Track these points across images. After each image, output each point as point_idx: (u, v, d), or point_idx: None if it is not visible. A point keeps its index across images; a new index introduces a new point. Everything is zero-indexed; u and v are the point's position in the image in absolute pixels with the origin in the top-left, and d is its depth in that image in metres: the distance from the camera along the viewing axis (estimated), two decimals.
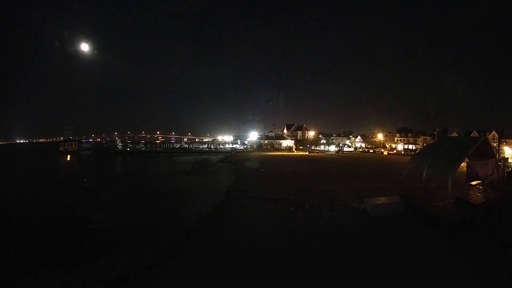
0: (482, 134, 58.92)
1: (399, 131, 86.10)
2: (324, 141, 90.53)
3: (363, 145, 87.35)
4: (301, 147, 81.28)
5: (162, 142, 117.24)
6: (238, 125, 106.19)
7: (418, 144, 76.72)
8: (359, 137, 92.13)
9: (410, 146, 78.05)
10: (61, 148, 78.87)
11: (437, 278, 6.54)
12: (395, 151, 67.20)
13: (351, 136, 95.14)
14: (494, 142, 53.84)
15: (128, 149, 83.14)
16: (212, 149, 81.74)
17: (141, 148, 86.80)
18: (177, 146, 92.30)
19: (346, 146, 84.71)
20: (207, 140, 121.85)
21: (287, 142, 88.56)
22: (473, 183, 13.93)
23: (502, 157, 38.69)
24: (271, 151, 73.23)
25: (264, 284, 6.41)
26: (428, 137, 74.56)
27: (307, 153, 64.40)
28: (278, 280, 6.52)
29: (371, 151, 73.72)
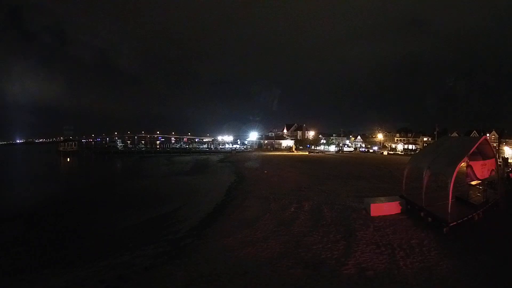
0: (482, 134, 58.92)
1: (399, 131, 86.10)
2: (324, 141, 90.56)
3: (363, 145, 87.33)
4: (301, 147, 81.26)
5: (162, 142, 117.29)
6: (238, 125, 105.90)
7: (418, 144, 76.69)
8: (359, 137, 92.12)
9: (410, 146, 77.99)
10: (61, 148, 78.81)
11: (437, 278, 6.53)
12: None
13: (351, 136, 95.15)
14: (494, 142, 53.83)
15: (128, 149, 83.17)
16: (212, 149, 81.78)
17: (141, 148, 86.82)
18: (177, 146, 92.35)
19: (346, 146, 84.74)
20: (207, 140, 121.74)
21: (287, 142, 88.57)
22: (473, 183, 13.91)
23: (502, 157, 38.69)
24: (271, 151, 73.25)
25: (265, 285, 6.41)
26: (428, 137, 74.54)
27: (307, 153, 64.42)
28: (279, 282, 6.51)
29: (370, 151, 73.75)
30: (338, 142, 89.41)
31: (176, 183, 27.07)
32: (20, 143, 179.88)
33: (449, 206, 10.48)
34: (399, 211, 11.93)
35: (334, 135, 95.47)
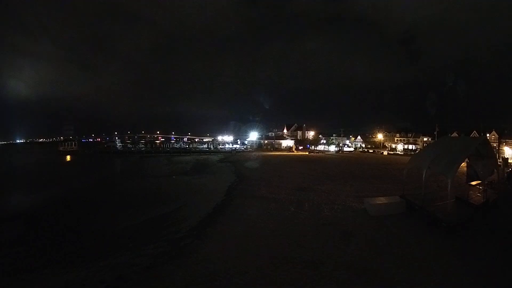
0: (482, 134, 58.92)
1: (399, 131, 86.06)
2: (324, 141, 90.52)
3: (363, 145, 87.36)
4: (301, 147, 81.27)
5: (162, 142, 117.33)
6: (238, 125, 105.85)
7: (418, 144, 76.68)
8: (359, 137, 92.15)
9: (410, 146, 78.00)
10: (61, 148, 78.80)
11: (438, 278, 6.54)
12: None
13: (351, 136, 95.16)
14: (494, 142, 53.82)
15: (128, 149, 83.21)
16: (212, 149, 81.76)
17: (141, 148, 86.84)
18: (177, 146, 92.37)
19: (346, 146, 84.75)
20: (207, 140, 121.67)
21: (287, 142, 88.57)
22: (473, 183, 13.94)
23: (502, 157, 38.70)
24: (271, 151, 73.27)
25: (264, 285, 6.41)
26: (428, 137, 74.53)
27: (307, 153, 64.45)
28: (279, 281, 6.51)
29: (370, 151, 73.80)
30: (338, 142, 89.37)
31: (176, 183, 27.08)
32: (20, 142, 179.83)
33: (449, 206, 10.50)
34: (399, 211, 11.93)
35: (334, 135, 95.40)
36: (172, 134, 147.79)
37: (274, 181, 21.58)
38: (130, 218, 14.47)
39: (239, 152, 71.04)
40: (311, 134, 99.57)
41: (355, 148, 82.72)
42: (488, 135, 59.44)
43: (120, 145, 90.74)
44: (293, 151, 69.66)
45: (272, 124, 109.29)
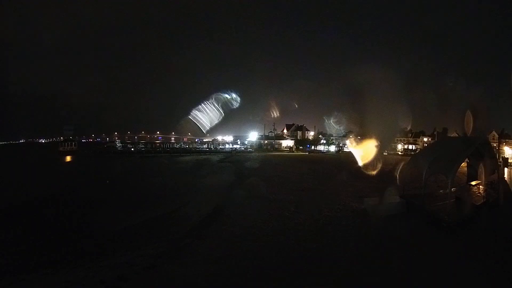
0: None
1: (399, 131, 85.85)
2: (324, 141, 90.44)
3: None
4: (301, 147, 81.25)
5: (162, 142, 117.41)
6: (238, 125, 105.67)
7: (418, 144, 76.62)
8: (359, 137, 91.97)
9: (410, 146, 77.95)
10: (61, 148, 78.68)
11: (438, 277, 6.53)
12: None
13: (351, 136, 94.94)
14: (494, 142, 53.75)
15: (127, 149, 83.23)
16: (212, 149, 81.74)
17: (141, 148, 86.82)
18: (177, 146, 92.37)
19: (346, 146, 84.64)
20: (207, 140, 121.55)
21: (287, 142, 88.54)
22: (473, 183, 13.96)
23: (502, 157, 38.68)
24: (271, 151, 73.28)
25: (264, 284, 6.40)
26: (428, 137, 74.49)
27: (307, 153, 64.44)
28: (278, 280, 6.51)
29: None
30: (338, 142, 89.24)
31: (176, 183, 27.05)
32: (20, 142, 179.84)
33: (449, 206, 10.51)
34: (399, 211, 11.93)
35: (334, 135, 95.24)
36: (172, 134, 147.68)
37: (274, 181, 21.58)
38: (130, 218, 14.44)
39: (239, 152, 70.99)
40: (311, 134, 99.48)
41: None
42: (488, 135, 59.38)
43: (120, 146, 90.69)
44: (293, 151, 69.65)
45: (272, 124, 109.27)
